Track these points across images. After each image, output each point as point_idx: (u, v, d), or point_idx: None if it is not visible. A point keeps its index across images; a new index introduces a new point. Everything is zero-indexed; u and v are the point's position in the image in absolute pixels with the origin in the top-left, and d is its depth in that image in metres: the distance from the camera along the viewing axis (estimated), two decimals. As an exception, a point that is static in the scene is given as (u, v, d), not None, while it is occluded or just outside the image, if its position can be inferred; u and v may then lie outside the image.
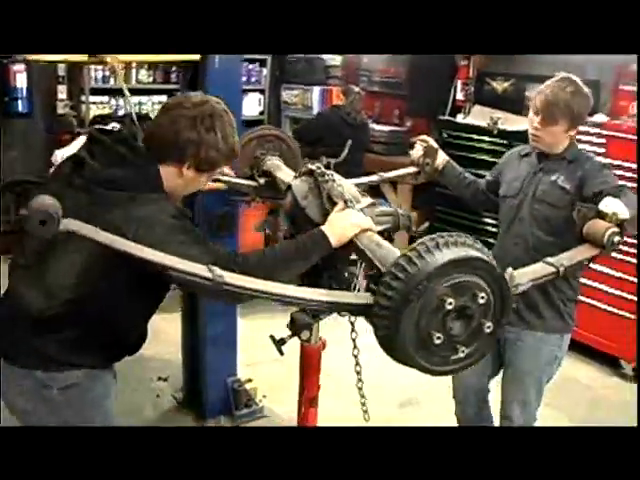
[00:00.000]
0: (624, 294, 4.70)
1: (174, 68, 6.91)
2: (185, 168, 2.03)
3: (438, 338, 1.57)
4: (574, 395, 4.49)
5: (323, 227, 2.03)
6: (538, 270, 1.97)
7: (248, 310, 4.17)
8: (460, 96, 6.34)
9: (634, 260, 4.63)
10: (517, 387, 3.01)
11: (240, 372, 3.91)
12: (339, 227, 2.00)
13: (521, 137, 5.35)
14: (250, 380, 3.89)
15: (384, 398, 4.22)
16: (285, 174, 2.74)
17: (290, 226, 2.27)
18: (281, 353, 2.21)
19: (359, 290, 2.16)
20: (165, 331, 4.57)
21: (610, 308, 4.78)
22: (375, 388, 4.18)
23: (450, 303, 1.54)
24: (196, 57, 2.87)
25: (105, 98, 6.69)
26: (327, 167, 2.23)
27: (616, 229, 2.11)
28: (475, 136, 5.68)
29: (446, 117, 6.27)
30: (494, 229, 3.24)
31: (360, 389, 2.31)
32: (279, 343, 2.23)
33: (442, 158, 3.12)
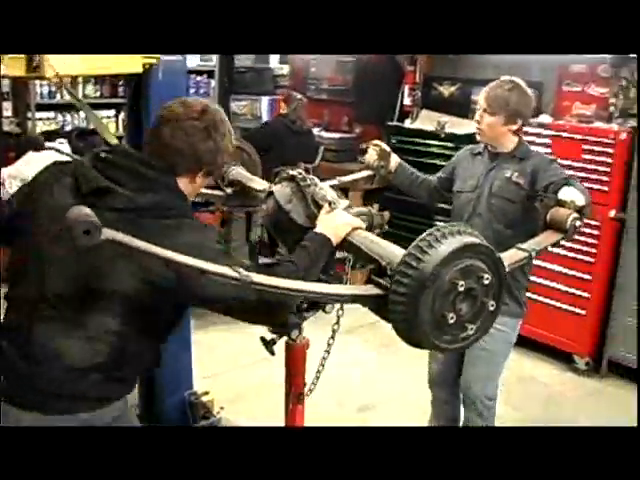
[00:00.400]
0: (576, 291, 4.78)
1: (121, 82, 6.85)
2: (199, 176, 2.01)
3: (452, 318, 1.71)
4: (531, 393, 4.56)
5: (318, 229, 2.08)
6: (513, 256, 2.09)
7: (202, 323, 4.16)
8: (408, 101, 6.38)
9: (586, 258, 4.73)
10: (479, 367, 3.23)
11: (197, 385, 3.88)
12: (332, 227, 2.07)
13: (468, 140, 5.42)
14: (207, 393, 3.86)
15: (344, 402, 4.24)
16: (257, 182, 2.78)
17: (272, 230, 2.31)
18: (272, 353, 2.32)
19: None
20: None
21: (563, 305, 4.86)
22: (336, 393, 4.24)
23: (462, 285, 1.69)
24: (138, 69, 2.84)
25: (51, 114, 6.60)
26: (307, 172, 2.31)
27: (576, 215, 2.32)
28: (423, 140, 5.74)
29: (394, 123, 6.31)
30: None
31: (319, 372, 2.45)
32: (270, 344, 2.32)
33: (395, 160, 3.32)
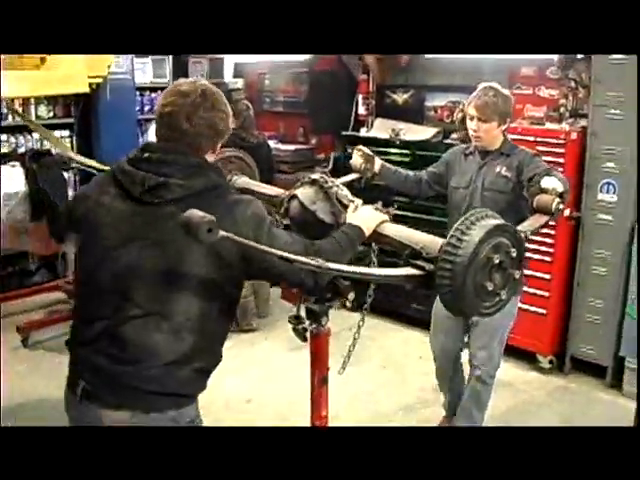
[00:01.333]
0: (536, 291, 4.81)
1: (74, 101, 6.77)
2: (217, 145, 2.17)
3: (490, 286, 2.02)
4: (496, 393, 4.57)
5: (352, 222, 2.30)
6: None
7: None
8: (362, 110, 6.41)
9: (544, 258, 4.78)
10: (483, 340, 3.68)
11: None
12: (364, 220, 2.32)
13: (423, 146, 5.51)
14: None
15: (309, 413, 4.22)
16: (266, 189, 2.95)
17: (295, 229, 2.47)
18: (305, 340, 2.54)
19: None
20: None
21: (524, 306, 4.88)
22: (301, 405, 4.21)
23: (497, 259, 2.01)
24: (85, 89, 2.82)
25: (4, 137, 6.48)
26: (326, 175, 2.55)
27: (559, 199, 2.75)
28: (379, 149, 5.72)
29: (350, 132, 6.33)
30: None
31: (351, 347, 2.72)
32: (302, 332, 2.54)
33: (378, 163, 3.64)
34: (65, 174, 5.40)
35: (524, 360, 5.05)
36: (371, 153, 3.61)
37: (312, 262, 1.90)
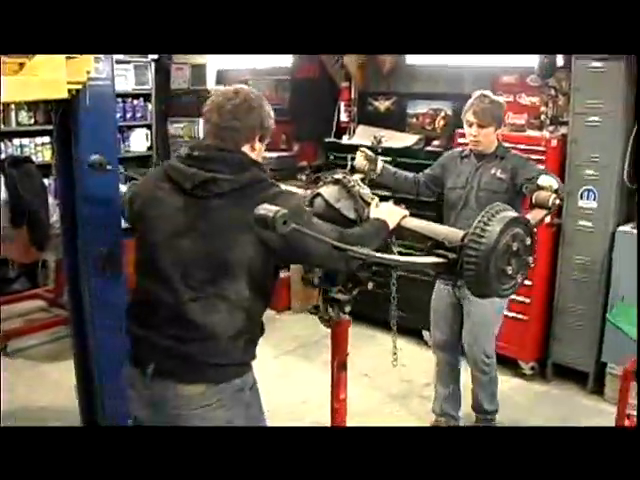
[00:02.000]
0: (519, 297, 4.78)
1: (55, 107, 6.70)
2: (256, 142, 2.32)
3: (509, 270, 2.25)
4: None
5: (377, 217, 2.49)
6: None
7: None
8: (344, 117, 6.41)
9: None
10: (477, 331, 3.92)
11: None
12: (388, 215, 2.51)
13: (405, 153, 5.51)
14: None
15: (299, 420, 4.21)
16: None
17: None
18: (329, 327, 2.72)
19: None
20: (57, 380, 4.44)
21: (506, 312, 4.89)
22: (291, 412, 4.20)
23: (515, 246, 2.25)
24: (64, 95, 2.79)
25: (-18, 144, 6.45)
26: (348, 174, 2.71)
27: (555, 195, 3.06)
28: (361, 156, 5.74)
29: (331, 139, 6.32)
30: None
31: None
32: (327, 319, 2.70)
33: (380, 164, 3.87)
34: (46, 181, 5.38)
35: (506, 366, 5.03)
36: (374, 155, 3.80)
37: (362, 251, 2.15)
